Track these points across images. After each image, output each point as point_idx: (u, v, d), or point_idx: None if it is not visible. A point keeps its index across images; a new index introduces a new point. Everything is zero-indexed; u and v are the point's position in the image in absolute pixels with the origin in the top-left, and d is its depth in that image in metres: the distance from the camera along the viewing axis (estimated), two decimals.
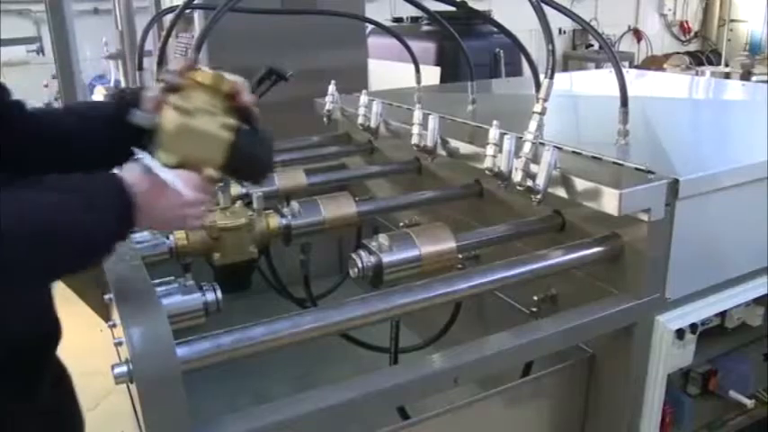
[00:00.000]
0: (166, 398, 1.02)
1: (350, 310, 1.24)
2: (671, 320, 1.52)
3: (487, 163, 1.53)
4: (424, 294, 1.32)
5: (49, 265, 0.90)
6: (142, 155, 1.02)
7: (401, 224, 2.08)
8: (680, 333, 1.52)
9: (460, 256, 1.51)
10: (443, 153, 1.88)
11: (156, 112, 1.06)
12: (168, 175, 1.01)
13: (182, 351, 1.05)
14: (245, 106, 1.13)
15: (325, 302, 1.33)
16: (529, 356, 1.49)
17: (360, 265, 1.38)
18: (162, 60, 1.87)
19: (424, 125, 1.87)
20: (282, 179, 1.90)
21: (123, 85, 4.31)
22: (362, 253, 1.39)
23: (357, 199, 1.76)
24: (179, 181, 1.02)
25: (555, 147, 1.44)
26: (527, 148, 1.44)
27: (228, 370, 1.18)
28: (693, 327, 1.55)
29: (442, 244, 1.45)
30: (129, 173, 0.99)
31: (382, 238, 1.40)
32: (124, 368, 1.00)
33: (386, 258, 1.37)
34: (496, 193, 1.85)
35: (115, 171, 1.01)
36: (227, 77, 1.12)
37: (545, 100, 1.44)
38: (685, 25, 10.06)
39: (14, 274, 0.85)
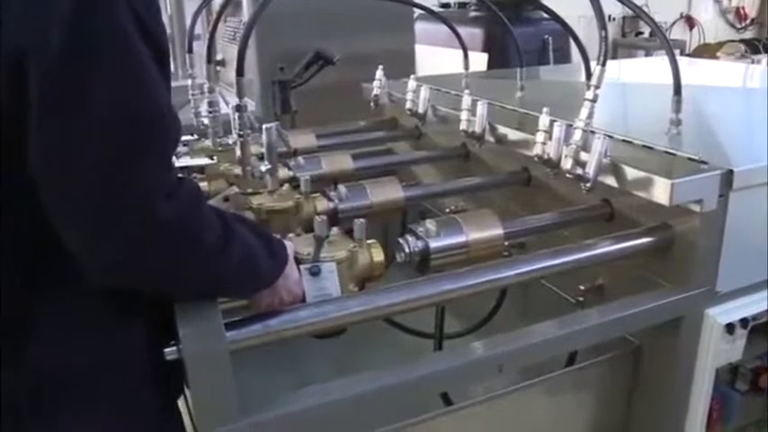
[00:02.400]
0: (215, 378, 1.04)
1: (397, 295, 1.24)
2: (721, 314, 1.49)
3: (537, 150, 1.52)
4: (471, 281, 1.31)
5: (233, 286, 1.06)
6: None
7: (447, 210, 2.07)
8: (730, 327, 1.49)
9: (506, 243, 1.50)
10: (491, 139, 1.87)
11: None
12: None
13: (230, 331, 1.06)
14: None
15: (370, 287, 1.33)
16: (573, 346, 1.47)
17: (407, 249, 1.38)
18: (212, 44, 1.89)
19: (472, 111, 1.86)
20: (329, 163, 1.91)
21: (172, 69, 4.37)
22: (409, 238, 1.39)
23: (404, 184, 1.76)
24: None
25: (606, 135, 1.42)
26: (577, 135, 1.42)
27: (272, 353, 1.19)
28: (744, 321, 1.51)
29: (489, 231, 1.44)
30: (288, 243, 1.17)
31: (429, 224, 1.39)
32: (174, 347, 1.01)
33: (433, 244, 1.37)
34: (544, 181, 1.83)
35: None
36: None
37: (597, 87, 1.42)
38: (741, 12, 9.72)
39: (220, 286, 1.02)
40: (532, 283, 1.59)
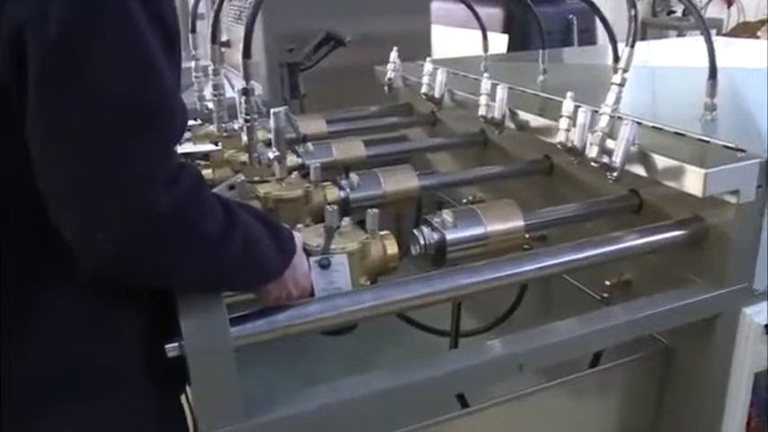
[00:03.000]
0: (218, 376, 1.04)
1: (411, 289, 1.24)
2: (759, 314, 1.46)
3: (560, 137, 1.51)
4: (490, 275, 1.30)
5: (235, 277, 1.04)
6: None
7: (464, 200, 2.07)
8: None
9: (528, 235, 1.50)
10: (512, 126, 1.86)
11: None
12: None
13: (235, 327, 1.06)
14: None
15: (383, 280, 1.33)
16: (599, 345, 1.46)
17: (422, 241, 1.37)
18: (216, 24, 1.89)
19: (491, 96, 1.85)
20: (340, 150, 1.90)
21: None
22: (425, 229, 1.39)
23: (419, 172, 1.76)
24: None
25: (634, 121, 1.40)
26: (604, 121, 1.41)
27: (279, 349, 1.20)
28: None
29: (509, 222, 1.43)
30: (296, 234, 1.15)
31: (446, 214, 1.39)
32: (176, 343, 1.02)
33: (450, 235, 1.37)
34: (567, 170, 1.82)
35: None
36: None
37: (625, 70, 1.40)
38: None
39: (223, 278, 1.00)
40: (555, 278, 1.60)
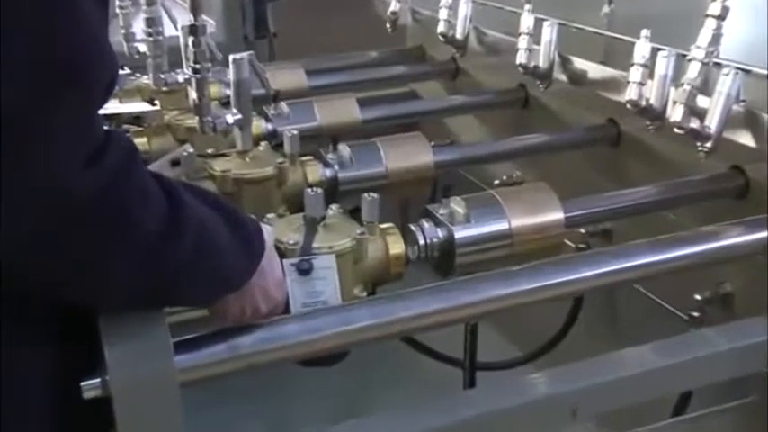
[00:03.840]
0: (156, 423, 1.03)
1: (422, 303, 1.23)
2: None
3: (631, 94, 1.52)
4: (529, 284, 1.29)
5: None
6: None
7: (496, 182, 2.05)
8: None
9: (583, 231, 1.52)
10: (563, 78, 1.87)
11: None
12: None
13: (182, 355, 1.05)
14: None
15: (382, 291, 1.33)
16: (686, 384, 1.46)
17: (421, 240, 1.37)
18: None
19: (534, 36, 1.85)
20: (326, 112, 1.90)
21: None
22: (426, 224, 1.39)
23: (433, 143, 1.76)
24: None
25: (738, 68, 1.40)
26: (694, 70, 1.41)
27: (242, 386, 1.19)
28: None
29: (542, 213, 1.44)
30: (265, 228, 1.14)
31: (455, 204, 1.39)
32: (96, 379, 1.00)
33: (459, 233, 1.37)
34: (640, 140, 1.81)
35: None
36: None
37: None
38: None
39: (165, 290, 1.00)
40: (623, 289, 1.61)
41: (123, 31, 2.10)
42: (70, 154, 0.85)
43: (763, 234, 1.43)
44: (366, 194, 1.34)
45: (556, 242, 1.45)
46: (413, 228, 1.39)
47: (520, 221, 1.41)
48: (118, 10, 2.10)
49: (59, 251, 0.89)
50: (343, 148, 1.65)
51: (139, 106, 1.90)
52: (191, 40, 1.56)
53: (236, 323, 1.12)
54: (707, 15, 1.41)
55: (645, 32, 1.52)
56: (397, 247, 1.34)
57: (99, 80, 0.90)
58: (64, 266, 0.91)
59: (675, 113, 1.42)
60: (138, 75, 2.03)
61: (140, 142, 1.81)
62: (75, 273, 0.92)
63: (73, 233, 0.88)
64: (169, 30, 1.96)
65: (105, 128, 0.91)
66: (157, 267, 0.95)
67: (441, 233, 1.38)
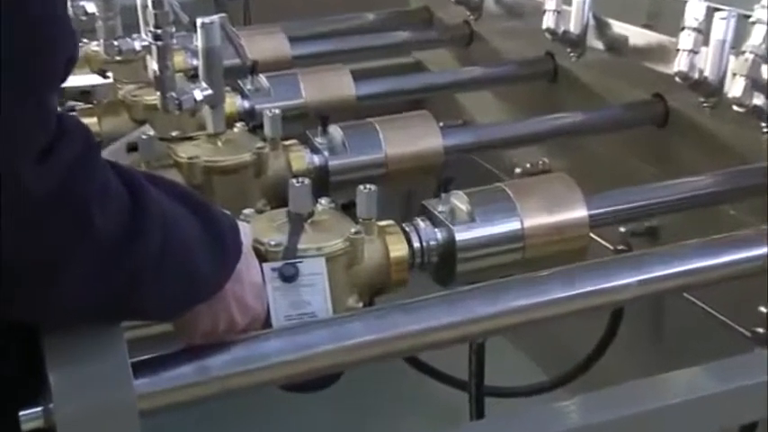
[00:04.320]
0: None
1: (429, 316, 1.23)
2: None
3: (680, 64, 1.54)
4: (558, 293, 1.29)
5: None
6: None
7: (517, 170, 2.06)
8: None
9: (623, 229, 1.51)
10: (598, 45, 1.88)
11: None
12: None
13: (143, 378, 1.05)
14: None
15: (384, 300, 1.33)
16: (749, 415, 1.46)
17: (416, 243, 1.38)
18: None
19: None
20: (314, 87, 1.91)
21: None
22: (421, 223, 1.40)
23: (442, 124, 1.77)
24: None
25: None
26: (758, 35, 1.41)
27: (214, 414, 1.19)
28: None
29: (561, 210, 1.45)
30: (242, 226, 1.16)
31: (457, 199, 1.41)
32: (38, 408, 1.00)
33: (461, 234, 1.38)
34: (692, 119, 1.82)
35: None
36: None
37: None
38: None
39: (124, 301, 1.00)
40: (672, 299, 1.61)
41: None
42: (21, 147, 0.86)
43: None
44: (362, 186, 1.35)
45: (579, 245, 1.46)
46: (407, 228, 1.40)
47: (534, 220, 1.42)
48: None
49: (11, 255, 0.89)
50: (335, 131, 1.66)
51: (88, 79, 1.89)
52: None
53: (208, 340, 1.12)
54: None
55: None
56: (398, 248, 1.36)
57: (56, 59, 0.92)
58: (14, 273, 0.91)
59: (735, 87, 1.44)
60: (85, 41, 2.03)
61: (89, 122, 1.78)
62: (26, 279, 0.93)
63: (26, 235, 0.89)
64: None
65: (59, 114, 0.92)
66: (117, 272, 0.96)
67: (439, 234, 1.39)
